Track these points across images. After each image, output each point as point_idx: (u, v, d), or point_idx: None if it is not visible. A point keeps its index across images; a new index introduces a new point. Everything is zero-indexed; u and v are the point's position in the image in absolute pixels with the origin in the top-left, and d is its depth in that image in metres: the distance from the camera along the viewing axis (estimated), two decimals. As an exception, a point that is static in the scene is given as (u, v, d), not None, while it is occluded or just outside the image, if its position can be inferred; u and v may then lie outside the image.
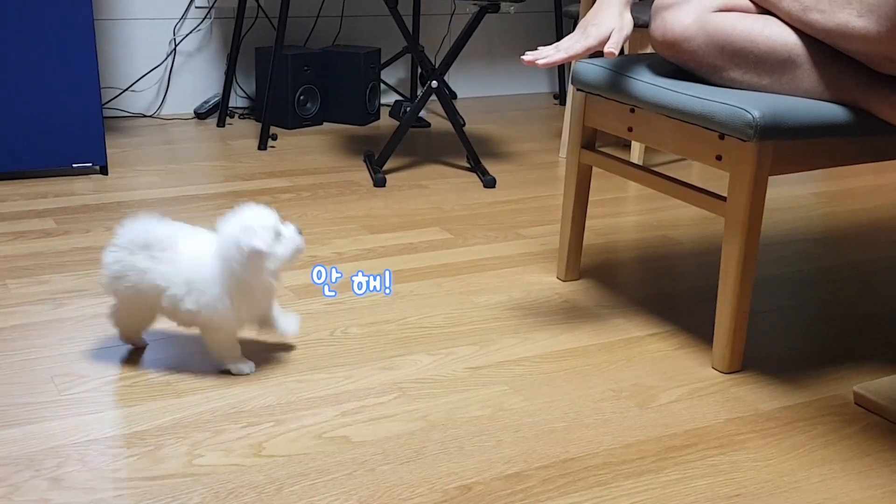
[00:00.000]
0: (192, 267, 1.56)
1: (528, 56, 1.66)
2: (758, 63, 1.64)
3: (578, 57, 1.70)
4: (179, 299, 1.56)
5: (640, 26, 2.79)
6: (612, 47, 1.67)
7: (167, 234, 1.58)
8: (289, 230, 1.57)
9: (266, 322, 1.67)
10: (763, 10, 1.69)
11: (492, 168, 2.97)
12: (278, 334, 1.71)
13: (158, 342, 1.75)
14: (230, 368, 1.64)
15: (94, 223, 2.36)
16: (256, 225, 1.53)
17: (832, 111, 1.63)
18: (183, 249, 1.57)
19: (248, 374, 1.64)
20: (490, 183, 2.81)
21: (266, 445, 1.43)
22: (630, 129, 1.83)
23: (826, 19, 1.59)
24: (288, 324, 1.70)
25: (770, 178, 1.63)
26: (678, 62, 1.72)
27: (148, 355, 1.70)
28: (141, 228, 1.58)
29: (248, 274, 1.54)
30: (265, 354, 1.72)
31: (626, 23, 1.70)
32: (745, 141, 1.59)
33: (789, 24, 1.64)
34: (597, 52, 1.74)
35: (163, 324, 1.81)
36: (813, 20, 1.60)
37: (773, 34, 1.63)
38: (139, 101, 3.52)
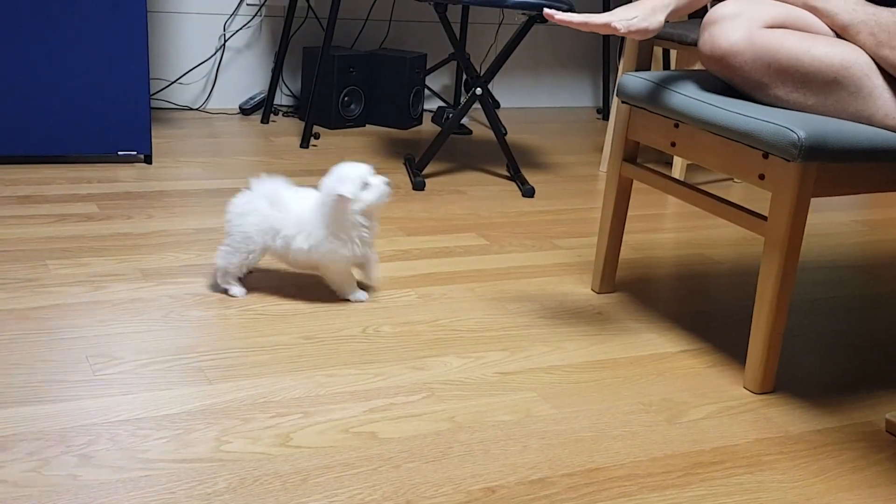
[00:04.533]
0: (302, 213, 1.88)
1: (550, 10, 1.67)
2: (804, 82, 1.64)
3: (595, 28, 1.69)
4: (290, 238, 1.87)
5: (689, 43, 2.78)
6: (619, 23, 1.67)
7: (286, 192, 1.90)
8: (377, 180, 1.86)
9: (364, 264, 1.96)
10: (837, 35, 1.70)
11: (531, 178, 2.97)
12: (367, 278, 2.00)
13: (192, 328, 1.76)
14: (350, 298, 1.95)
15: (136, 210, 2.39)
16: (347, 176, 1.84)
17: (878, 136, 1.62)
18: (294, 203, 1.89)
19: (363, 300, 1.95)
20: (529, 192, 2.82)
21: (293, 436, 1.44)
22: (673, 144, 1.83)
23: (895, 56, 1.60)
24: (373, 273, 2.00)
25: (811, 202, 1.62)
26: (724, 77, 1.71)
27: (181, 341, 1.71)
28: (270, 184, 1.89)
29: (341, 215, 1.84)
30: (296, 348, 1.73)
31: (654, 21, 1.70)
32: (789, 161, 1.58)
33: (865, 51, 1.64)
34: (648, 67, 1.73)
35: (196, 309, 1.84)
36: (884, 55, 1.61)
37: (820, 54, 1.63)
38: (186, 93, 3.56)
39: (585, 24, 1.68)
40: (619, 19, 1.68)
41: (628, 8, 1.71)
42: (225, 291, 1.93)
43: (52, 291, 1.88)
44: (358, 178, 1.85)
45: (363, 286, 1.98)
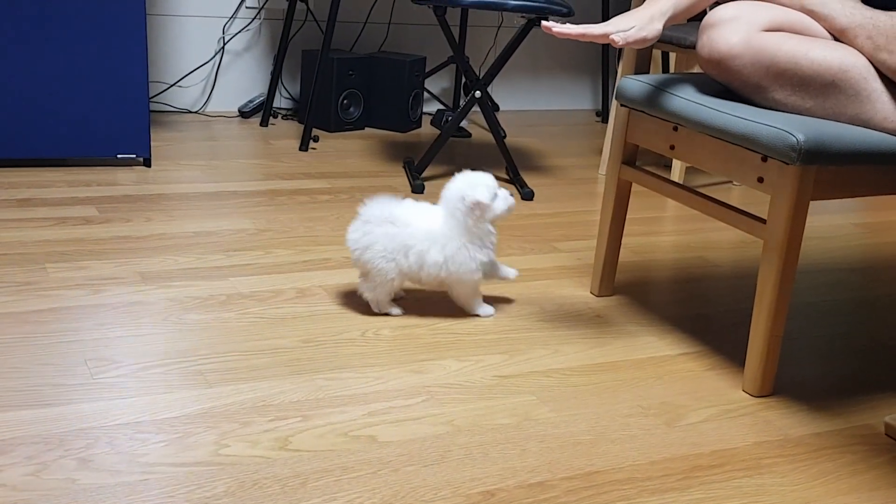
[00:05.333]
0: (430, 225, 1.85)
1: (547, 23, 1.67)
2: (802, 85, 1.64)
3: (594, 38, 1.69)
4: (424, 253, 1.82)
5: (688, 47, 2.78)
6: (617, 36, 1.66)
7: (402, 208, 1.86)
8: (503, 192, 1.86)
9: (491, 269, 1.93)
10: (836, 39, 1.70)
11: (530, 181, 2.97)
12: (501, 276, 1.97)
13: (191, 331, 1.76)
14: (479, 313, 1.94)
15: (135, 213, 2.39)
16: (479, 183, 1.82)
17: (877, 139, 1.62)
18: (418, 217, 1.86)
19: (491, 315, 1.95)
20: (528, 195, 2.82)
21: (292, 440, 1.44)
22: (672, 147, 1.83)
23: (893, 60, 1.60)
24: (508, 270, 1.98)
25: (810, 205, 1.62)
26: (723, 81, 1.71)
27: (180, 344, 1.71)
28: (381, 207, 1.85)
29: (475, 222, 1.82)
30: (296, 352, 1.73)
31: (651, 29, 1.70)
32: (787, 164, 1.58)
33: (865, 55, 1.65)
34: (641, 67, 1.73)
35: (195, 312, 1.84)
36: (882, 59, 1.62)
37: (818, 57, 1.63)
38: (185, 96, 3.56)
39: (583, 35, 1.67)
40: (616, 31, 1.67)
41: (626, 17, 1.71)
42: (387, 314, 1.92)
43: (50, 295, 1.88)
44: (491, 185, 1.84)
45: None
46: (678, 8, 1.73)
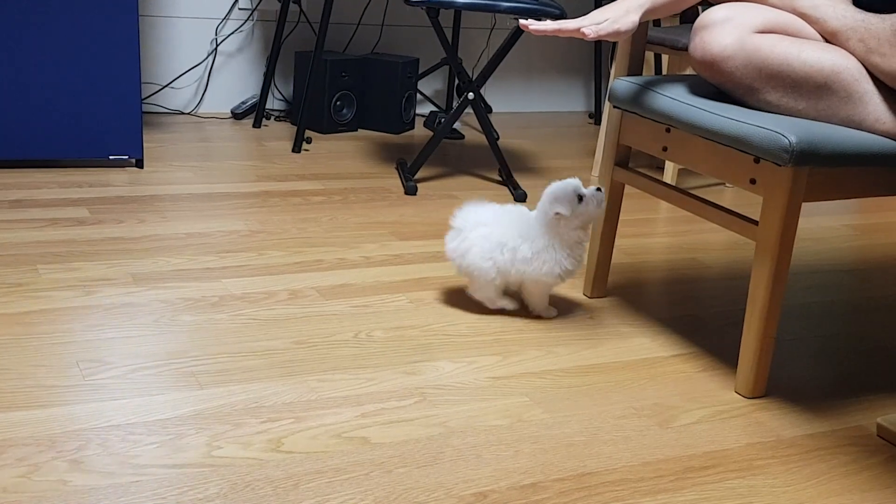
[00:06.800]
0: (522, 223, 1.92)
1: (525, 21, 1.67)
2: (794, 87, 1.64)
3: (569, 33, 1.69)
4: (516, 249, 1.89)
5: (680, 48, 2.79)
6: (588, 29, 1.67)
7: (493, 211, 1.95)
8: (589, 191, 1.89)
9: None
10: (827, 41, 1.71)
11: (523, 182, 2.98)
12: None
13: (183, 332, 1.76)
14: (543, 314, 1.98)
15: (128, 214, 2.39)
16: (560, 194, 1.86)
17: (869, 141, 1.62)
18: (510, 216, 1.94)
19: (553, 317, 1.99)
20: (521, 197, 2.82)
21: (285, 441, 1.44)
22: (665, 149, 1.83)
23: (885, 63, 1.60)
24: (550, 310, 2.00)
25: (802, 207, 1.62)
26: (716, 82, 1.72)
27: (172, 346, 1.71)
28: (473, 213, 1.94)
29: (563, 231, 1.89)
30: (288, 353, 1.73)
31: (626, 22, 1.70)
32: (780, 165, 1.58)
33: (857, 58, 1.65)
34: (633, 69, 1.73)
35: (187, 313, 1.83)
36: (874, 62, 1.62)
37: (811, 59, 1.63)
38: (178, 98, 3.56)
39: (559, 30, 1.68)
40: (589, 24, 1.68)
41: (602, 10, 1.72)
42: (502, 310, 1.99)
43: (42, 296, 1.88)
44: (572, 193, 1.87)
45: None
46: (656, 2, 1.73)
